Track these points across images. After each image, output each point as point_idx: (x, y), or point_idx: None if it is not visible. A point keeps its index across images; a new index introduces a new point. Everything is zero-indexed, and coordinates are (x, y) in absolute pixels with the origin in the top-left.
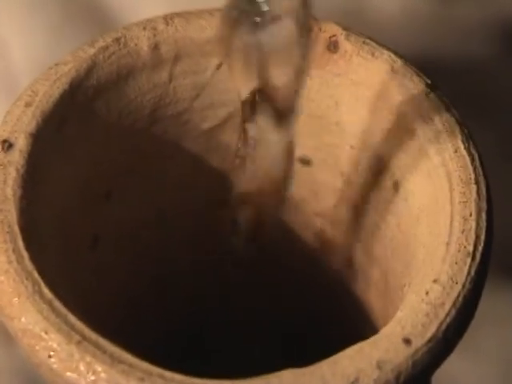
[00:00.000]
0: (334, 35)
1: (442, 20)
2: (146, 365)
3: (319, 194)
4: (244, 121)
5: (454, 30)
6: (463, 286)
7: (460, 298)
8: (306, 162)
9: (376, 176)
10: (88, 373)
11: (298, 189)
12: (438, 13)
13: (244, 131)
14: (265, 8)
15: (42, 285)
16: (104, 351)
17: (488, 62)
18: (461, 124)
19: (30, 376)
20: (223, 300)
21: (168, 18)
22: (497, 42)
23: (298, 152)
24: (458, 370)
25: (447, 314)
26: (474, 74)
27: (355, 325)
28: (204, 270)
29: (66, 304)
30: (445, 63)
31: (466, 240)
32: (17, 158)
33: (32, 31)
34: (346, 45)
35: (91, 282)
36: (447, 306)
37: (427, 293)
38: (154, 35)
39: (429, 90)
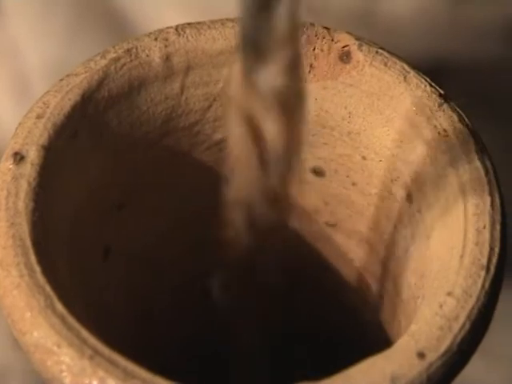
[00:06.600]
0: (346, 45)
1: (454, 21)
2: (159, 380)
3: (332, 204)
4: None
5: (467, 30)
6: (477, 299)
7: (474, 311)
8: (318, 172)
9: (389, 187)
10: None
11: (311, 199)
12: (450, 13)
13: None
14: None
15: (55, 299)
16: (117, 366)
17: (501, 63)
18: (475, 135)
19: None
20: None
21: (179, 29)
22: (510, 42)
23: (311, 163)
24: (473, 374)
25: (461, 328)
26: (487, 74)
27: (368, 337)
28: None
29: (79, 318)
30: (457, 64)
31: (480, 252)
32: (28, 170)
33: (45, 34)
34: (358, 55)
35: (102, 295)
36: (461, 320)
37: (441, 306)
38: (166, 46)
39: (442, 101)
